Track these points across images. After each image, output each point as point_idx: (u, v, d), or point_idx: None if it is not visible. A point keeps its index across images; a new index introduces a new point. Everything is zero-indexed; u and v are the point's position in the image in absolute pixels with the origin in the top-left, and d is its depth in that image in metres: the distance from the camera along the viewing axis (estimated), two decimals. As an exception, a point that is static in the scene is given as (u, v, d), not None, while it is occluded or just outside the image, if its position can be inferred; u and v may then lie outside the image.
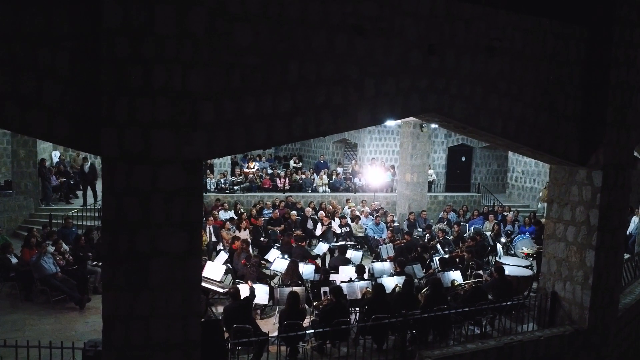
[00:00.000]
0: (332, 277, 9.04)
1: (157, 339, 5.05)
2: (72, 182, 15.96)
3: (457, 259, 10.39)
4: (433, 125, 16.75)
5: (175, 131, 4.93)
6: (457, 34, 6.56)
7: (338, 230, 13.20)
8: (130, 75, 4.82)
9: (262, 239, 12.57)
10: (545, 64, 7.30)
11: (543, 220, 14.30)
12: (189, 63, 4.92)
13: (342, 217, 14.07)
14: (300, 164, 21.50)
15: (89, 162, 15.75)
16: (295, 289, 7.75)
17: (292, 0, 5.60)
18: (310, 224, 13.94)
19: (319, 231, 13.27)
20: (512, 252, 11.78)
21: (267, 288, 8.08)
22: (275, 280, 10.01)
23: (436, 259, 10.27)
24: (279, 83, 5.62)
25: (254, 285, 7.85)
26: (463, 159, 22.60)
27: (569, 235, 8.00)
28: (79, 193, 16.43)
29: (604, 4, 7.45)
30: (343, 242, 11.71)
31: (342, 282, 8.65)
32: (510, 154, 20.55)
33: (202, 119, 5.06)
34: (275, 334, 6.94)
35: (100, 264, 10.09)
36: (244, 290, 7.53)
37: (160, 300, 5.02)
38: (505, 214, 15.58)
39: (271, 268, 9.90)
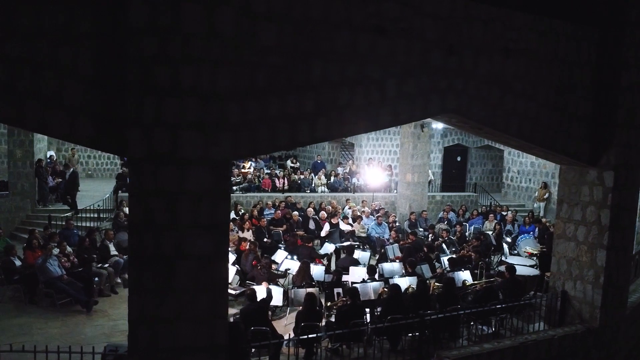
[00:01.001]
0: (343, 277, 9.01)
1: (184, 342, 4.98)
2: (68, 182, 15.71)
3: (465, 259, 10.43)
4: (433, 125, 16.86)
5: (203, 132, 4.86)
6: (475, 35, 6.58)
7: (346, 227, 13.19)
8: (158, 75, 4.74)
9: (265, 239, 12.50)
10: (557, 65, 7.35)
11: (544, 219, 14.50)
12: (217, 63, 4.86)
13: (344, 217, 14.06)
14: (298, 164, 21.43)
15: (71, 170, 14.83)
16: (310, 290, 7.71)
17: (316, 0, 5.56)
18: (312, 224, 13.90)
19: (324, 232, 13.22)
20: (516, 252, 11.88)
21: (281, 289, 8.02)
22: (284, 281, 9.96)
23: (445, 259, 10.30)
24: (302, 83, 5.58)
25: (269, 287, 7.79)
26: (458, 158, 22.77)
27: (580, 235, 8.07)
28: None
29: (615, 6, 7.53)
30: (348, 243, 11.69)
31: (352, 282, 8.64)
32: (505, 154, 20.73)
33: (229, 120, 5.00)
34: (288, 335, 6.90)
35: (106, 265, 9.98)
36: (260, 291, 7.47)
37: (187, 303, 4.95)
38: (503, 213, 15.71)
39: (280, 269, 9.83)
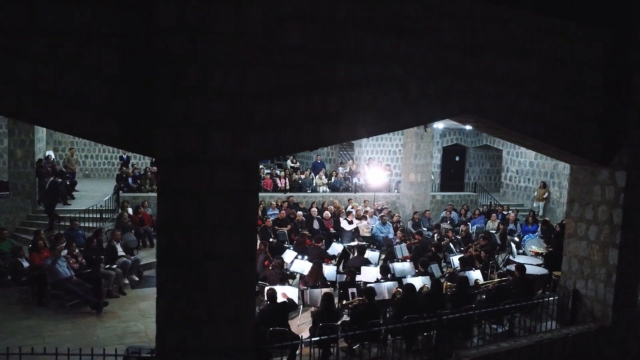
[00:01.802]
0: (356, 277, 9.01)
1: (212, 344, 4.93)
2: (67, 182, 15.56)
3: (474, 259, 10.48)
4: (433, 125, 16.92)
5: (232, 132, 4.82)
6: (492, 36, 6.61)
7: (352, 227, 13.26)
8: (186, 74, 4.69)
9: (270, 239, 12.45)
10: (571, 66, 7.41)
11: (547, 219, 14.62)
12: (245, 62, 4.82)
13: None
14: (298, 163, 21.40)
15: (52, 178, 13.94)
16: (326, 290, 7.69)
17: (342, 0, 5.55)
18: (316, 224, 13.89)
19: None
20: (522, 251, 11.96)
21: (295, 290, 8.00)
22: (293, 282, 9.93)
23: (455, 258, 10.34)
24: (326, 83, 5.56)
25: (284, 288, 7.77)
26: (457, 158, 22.87)
27: (591, 234, 8.15)
28: (75, 194, 16.06)
29: (626, 7, 7.61)
30: (356, 243, 11.69)
31: (365, 282, 8.64)
32: (504, 153, 20.87)
33: (256, 120, 4.97)
34: (302, 335, 6.86)
35: (114, 266, 9.89)
36: (279, 292, 7.44)
37: (216, 305, 4.90)
38: (504, 213, 15.81)
39: (290, 269, 9.81)
